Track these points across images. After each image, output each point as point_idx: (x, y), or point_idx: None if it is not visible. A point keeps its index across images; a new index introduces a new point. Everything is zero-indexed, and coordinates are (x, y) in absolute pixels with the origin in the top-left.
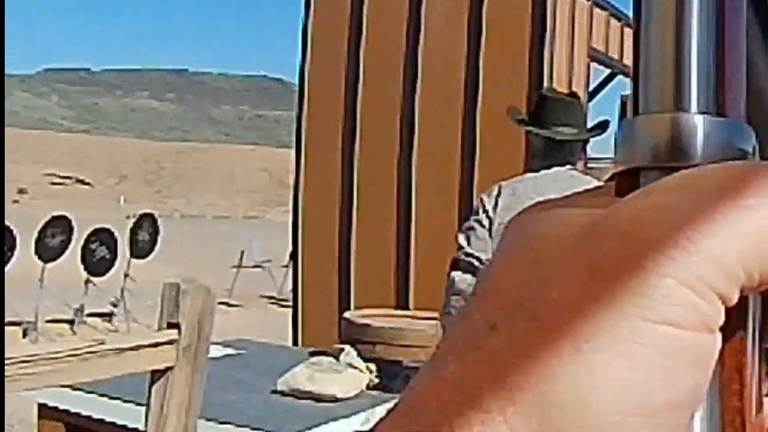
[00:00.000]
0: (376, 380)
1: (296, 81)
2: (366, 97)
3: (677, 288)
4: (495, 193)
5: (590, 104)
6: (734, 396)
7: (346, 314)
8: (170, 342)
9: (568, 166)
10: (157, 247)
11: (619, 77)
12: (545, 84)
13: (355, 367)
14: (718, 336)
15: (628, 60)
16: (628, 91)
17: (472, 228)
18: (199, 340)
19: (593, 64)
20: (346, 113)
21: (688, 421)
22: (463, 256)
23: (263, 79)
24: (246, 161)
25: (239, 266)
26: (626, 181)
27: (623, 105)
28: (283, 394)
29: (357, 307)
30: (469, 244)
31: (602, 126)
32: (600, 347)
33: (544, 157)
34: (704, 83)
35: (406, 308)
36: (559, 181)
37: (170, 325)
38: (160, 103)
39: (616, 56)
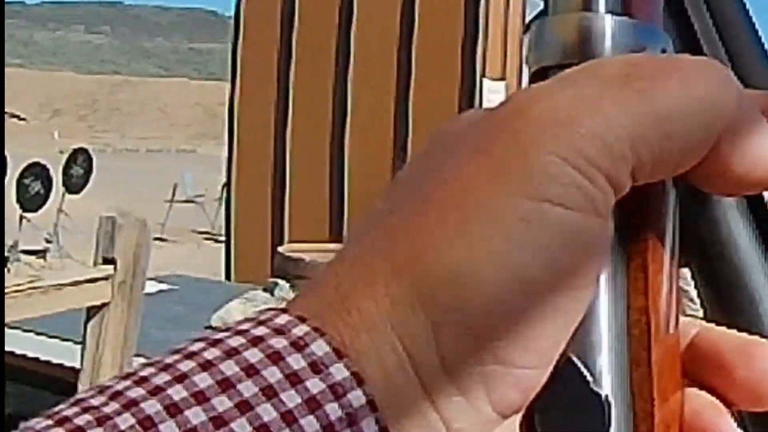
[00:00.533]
0: None
1: (231, 13)
2: (301, 29)
3: (560, 165)
4: None
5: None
6: (640, 295)
7: (280, 248)
8: (106, 278)
9: None
10: (91, 182)
11: None
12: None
13: None
14: (608, 222)
15: None
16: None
17: None
18: (135, 276)
19: None
20: (282, 44)
21: (581, 307)
22: None
23: (199, 12)
24: (179, 95)
25: (172, 200)
26: (536, 81)
27: None
28: (217, 329)
29: (290, 242)
30: None
31: None
32: (481, 222)
33: None
34: None
35: (340, 242)
36: None
37: (105, 261)
38: (95, 37)
39: None
